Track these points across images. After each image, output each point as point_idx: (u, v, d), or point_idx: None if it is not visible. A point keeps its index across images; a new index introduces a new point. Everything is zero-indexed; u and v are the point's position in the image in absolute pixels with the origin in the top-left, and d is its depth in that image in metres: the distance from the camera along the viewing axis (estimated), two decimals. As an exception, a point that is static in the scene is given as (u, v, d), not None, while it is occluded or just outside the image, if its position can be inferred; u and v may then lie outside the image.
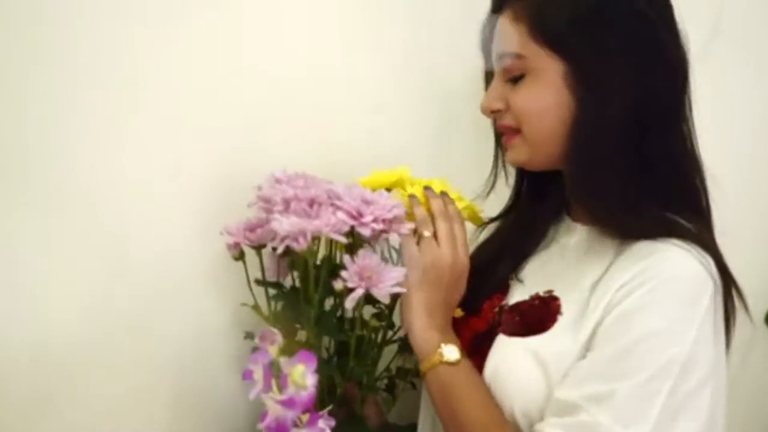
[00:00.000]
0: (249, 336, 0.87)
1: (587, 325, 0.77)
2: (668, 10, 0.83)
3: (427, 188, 0.88)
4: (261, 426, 0.73)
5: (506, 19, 0.83)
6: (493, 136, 0.94)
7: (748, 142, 1.28)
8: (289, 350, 0.74)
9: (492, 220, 0.98)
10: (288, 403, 0.71)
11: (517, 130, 0.84)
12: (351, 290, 0.78)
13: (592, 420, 0.72)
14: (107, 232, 0.86)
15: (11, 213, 0.80)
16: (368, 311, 0.85)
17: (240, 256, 0.87)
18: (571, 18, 0.79)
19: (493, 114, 0.87)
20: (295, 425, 0.72)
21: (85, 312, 0.84)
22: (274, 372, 0.73)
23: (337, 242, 0.81)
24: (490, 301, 0.90)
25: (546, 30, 0.80)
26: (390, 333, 0.89)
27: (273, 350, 0.74)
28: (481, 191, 0.96)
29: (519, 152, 0.86)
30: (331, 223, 0.77)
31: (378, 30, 1.04)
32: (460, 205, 0.88)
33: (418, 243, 0.84)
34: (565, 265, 0.87)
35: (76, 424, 0.85)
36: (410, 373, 0.91)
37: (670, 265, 0.76)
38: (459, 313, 0.89)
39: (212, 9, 0.91)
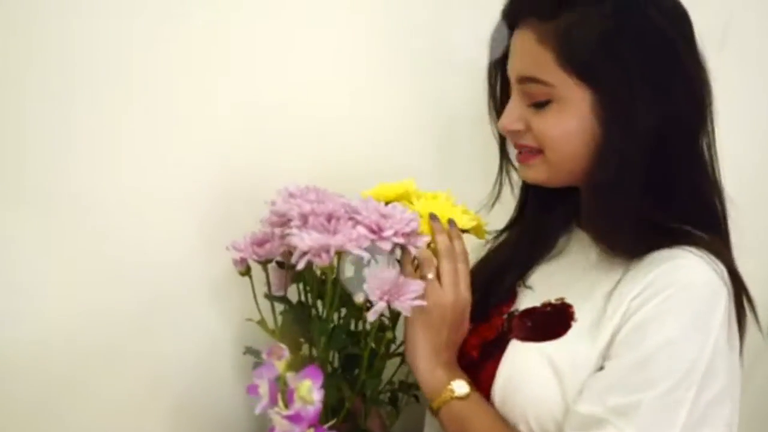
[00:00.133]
0: (249, 351, 0.87)
1: (605, 332, 0.77)
2: (687, 24, 0.81)
3: (433, 217, 0.87)
4: (267, 440, 0.73)
5: (529, 39, 0.81)
6: (498, 147, 0.94)
7: (756, 154, 1.29)
8: (295, 365, 0.74)
9: (497, 233, 0.97)
10: (295, 418, 0.72)
11: (539, 151, 0.84)
12: (370, 304, 0.78)
13: None
14: (107, 233, 0.85)
15: (11, 214, 0.80)
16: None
17: (247, 272, 0.87)
18: (597, 44, 0.77)
19: (511, 134, 0.87)
20: (301, 439, 0.72)
21: (84, 316, 0.84)
22: (281, 387, 0.73)
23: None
24: (498, 308, 0.90)
25: (574, 58, 0.78)
26: (393, 346, 0.89)
27: (280, 365, 0.74)
28: (487, 202, 0.95)
29: (538, 171, 0.85)
30: (353, 238, 0.77)
31: (384, 43, 1.04)
32: (466, 219, 0.88)
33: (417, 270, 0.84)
34: (576, 275, 0.87)
35: (76, 427, 0.85)
36: (413, 386, 0.91)
37: (684, 273, 0.76)
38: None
39: (222, 23, 0.91)
